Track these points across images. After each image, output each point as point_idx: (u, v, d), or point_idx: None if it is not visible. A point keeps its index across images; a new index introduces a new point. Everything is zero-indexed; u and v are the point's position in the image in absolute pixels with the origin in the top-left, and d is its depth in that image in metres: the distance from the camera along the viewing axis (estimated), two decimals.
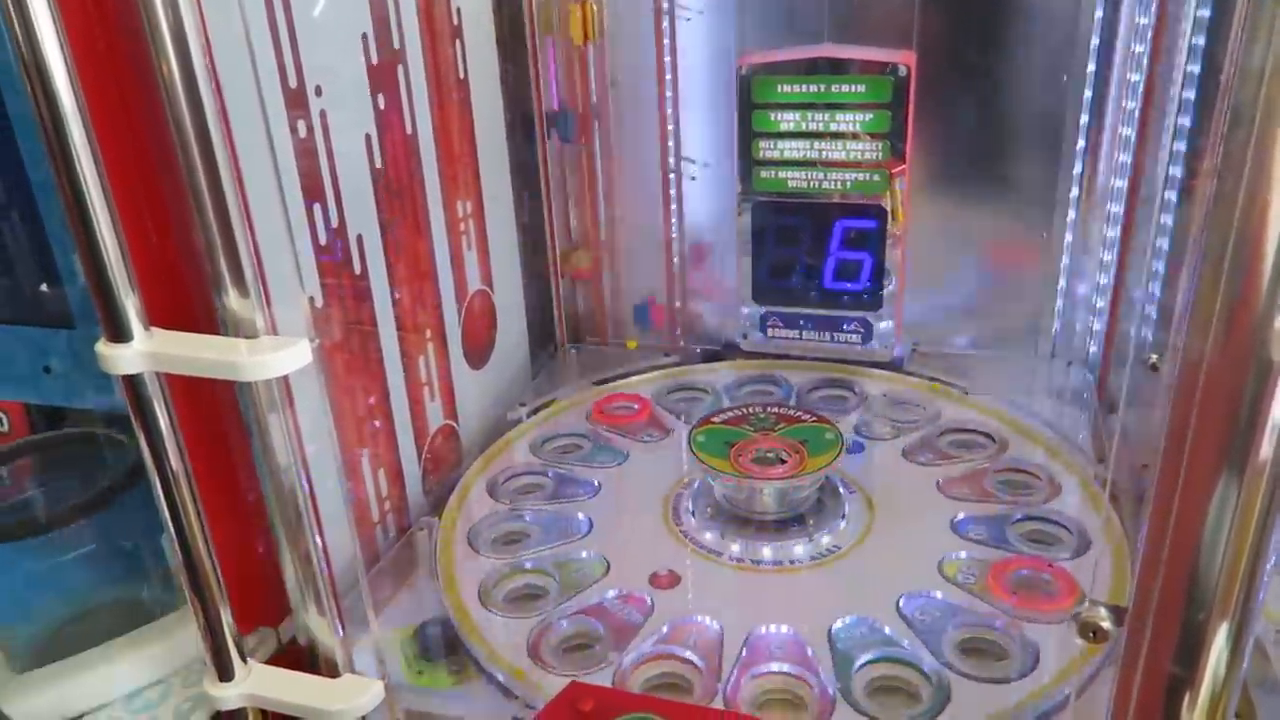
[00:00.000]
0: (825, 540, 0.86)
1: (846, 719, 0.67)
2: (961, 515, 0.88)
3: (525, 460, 1.03)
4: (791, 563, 0.84)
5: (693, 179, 1.20)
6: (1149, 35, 0.97)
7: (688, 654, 0.73)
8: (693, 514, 0.90)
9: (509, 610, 0.80)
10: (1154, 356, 0.45)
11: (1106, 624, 0.50)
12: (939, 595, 0.78)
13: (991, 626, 0.75)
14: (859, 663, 0.71)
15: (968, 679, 0.70)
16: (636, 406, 1.11)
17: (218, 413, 0.68)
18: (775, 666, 0.72)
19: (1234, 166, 0.40)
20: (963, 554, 0.83)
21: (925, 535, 0.86)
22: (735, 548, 0.85)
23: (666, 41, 1.14)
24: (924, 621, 0.75)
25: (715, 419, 0.94)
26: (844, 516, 0.88)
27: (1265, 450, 0.44)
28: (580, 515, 0.92)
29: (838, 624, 0.75)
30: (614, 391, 1.16)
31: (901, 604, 0.77)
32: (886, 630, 0.75)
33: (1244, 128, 0.40)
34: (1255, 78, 0.39)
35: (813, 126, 1.10)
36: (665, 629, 0.76)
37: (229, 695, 0.66)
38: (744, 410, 0.95)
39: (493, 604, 0.81)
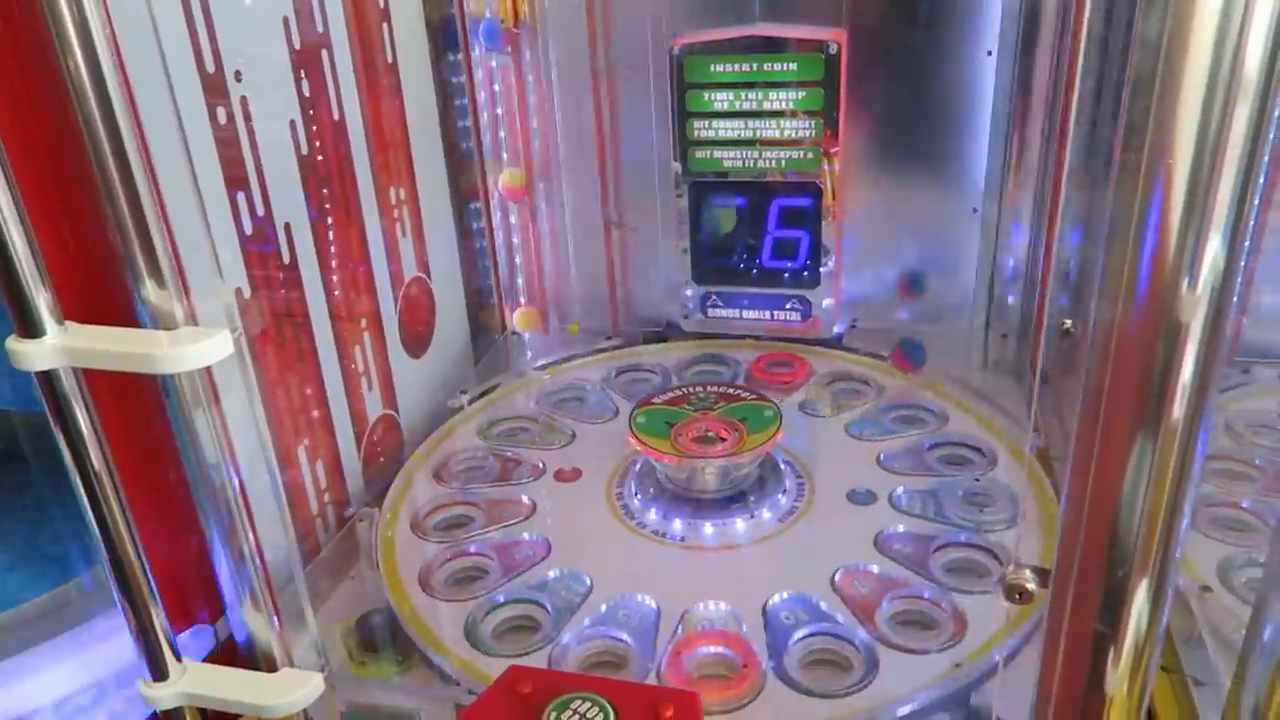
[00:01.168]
0: (766, 517, 0.86)
1: (777, 692, 0.68)
2: (900, 489, 0.89)
3: (470, 444, 1.02)
4: (732, 540, 0.84)
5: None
6: (1072, 10, 0.99)
7: (623, 634, 0.73)
8: (635, 494, 0.90)
9: (448, 592, 0.80)
10: (1067, 322, 0.46)
11: (1031, 585, 0.52)
12: (875, 569, 0.80)
13: (921, 597, 0.77)
14: (793, 638, 0.72)
15: (898, 650, 0.72)
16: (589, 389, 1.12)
17: (142, 408, 0.67)
18: (709, 644, 0.72)
19: (1137, 135, 0.41)
20: (900, 528, 0.84)
21: (864, 510, 0.87)
22: (677, 526, 0.86)
23: (599, 24, 1.13)
24: (858, 595, 0.77)
25: (656, 400, 0.94)
26: (784, 493, 0.89)
27: (1177, 410, 0.45)
28: (523, 498, 0.91)
29: (774, 600, 0.76)
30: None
31: (837, 578, 0.78)
32: (821, 605, 0.76)
33: (1144, 97, 0.41)
34: (1153, 48, 0.40)
35: (746, 106, 1.10)
36: (603, 609, 0.76)
37: (164, 695, 0.65)
38: (685, 390, 0.95)
39: (432, 588, 0.81)
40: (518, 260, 1.26)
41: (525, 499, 0.91)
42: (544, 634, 0.75)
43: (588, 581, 0.80)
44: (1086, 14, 0.97)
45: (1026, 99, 1.06)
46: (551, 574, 0.81)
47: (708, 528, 0.85)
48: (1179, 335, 0.43)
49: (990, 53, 1.05)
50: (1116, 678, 0.52)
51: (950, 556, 0.81)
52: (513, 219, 1.24)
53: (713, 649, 0.72)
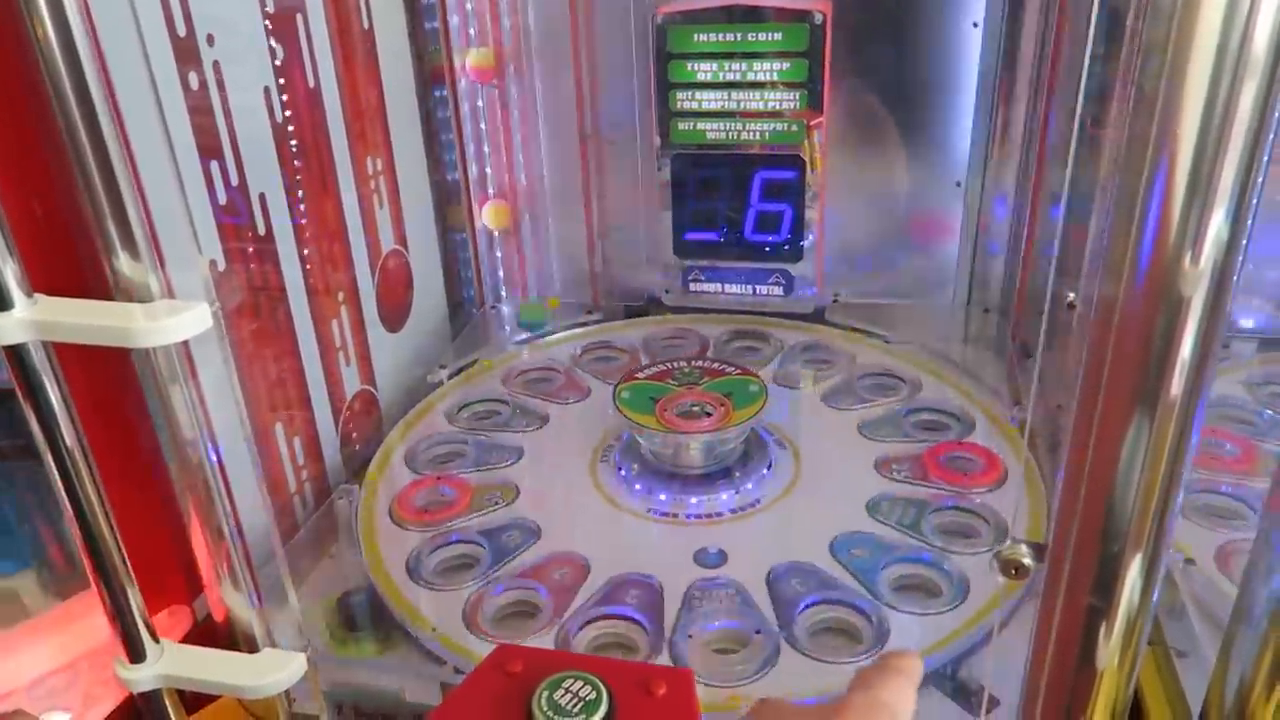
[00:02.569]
0: (753, 489, 0.86)
1: (792, 662, 0.68)
2: (882, 456, 0.90)
3: (444, 429, 1.00)
4: (722, 514, 0.84)
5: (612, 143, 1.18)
6: None
7: (629, 613, 0.73)
8: (620, 471, 0.89)
9: (441, 582, 0.78)
10: (1071, 296, 0.46)
11: (1027, 560, 0.51)
12: (870, 535, 0.80)
13: (920, 560, 0.77)
14: (800, 607, 0.72)
15: (904, 614, 0.72)
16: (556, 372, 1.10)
17: (114, 383, 0.65)
18: (718, 618, 0.72)
19: (1145, 108, 0.41)
20: (887, 494, 0.85)
21: (852, 478, 0.87)
22: (665, 502, 0.85)
23: None
24: (858, 561, 0.77)
25: (639, 374, 0.93)
26: (770, 465, 0.88)
27: (1175, 387, 0.45)
28: (506, 479, 0.90)
29: (776, 569, 0.76)
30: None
31: (834, 546, 0.78)
32: (821, 572, 0.76)
33: (1155, 67, 0.40)
34: (1165, 17, 0.39)
35: (730, 76, 1.09)
36: (604, 589, 0.75)
37: (141, 677, 0.63)
38: (668, 365, 0.94)
39: (423, 578, 0.78)
40: (496, 233, 1.24)
41: (507, 480, 0.90)
42: (544, 617, 0.73)
43: (584, 562, 0.78)
44: None
45: (1012, 72, 1.05)
46: (543, 556, 0.79)
47: (696, 502, 0.85)
48: (1180, 310, 0.43)
49: (976, 24, 1.04)
50: (1108, 651, 0.52)
51: (942, 520, 0.82)
52: (491, 191, 1.21)
53: (722, 622, 0.72)
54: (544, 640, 0.71)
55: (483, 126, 1.18)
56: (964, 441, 0.92)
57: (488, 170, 1.20)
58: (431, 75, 1.12)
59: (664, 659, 0.69)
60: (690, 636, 0.70)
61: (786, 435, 0.93)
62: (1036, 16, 1.02)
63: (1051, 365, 0.99)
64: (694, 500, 0.85)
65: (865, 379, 1.04)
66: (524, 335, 1.19)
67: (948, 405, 0.98)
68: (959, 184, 1.12)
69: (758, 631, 0.70)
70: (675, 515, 0.84)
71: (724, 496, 0.85)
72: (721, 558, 0.78)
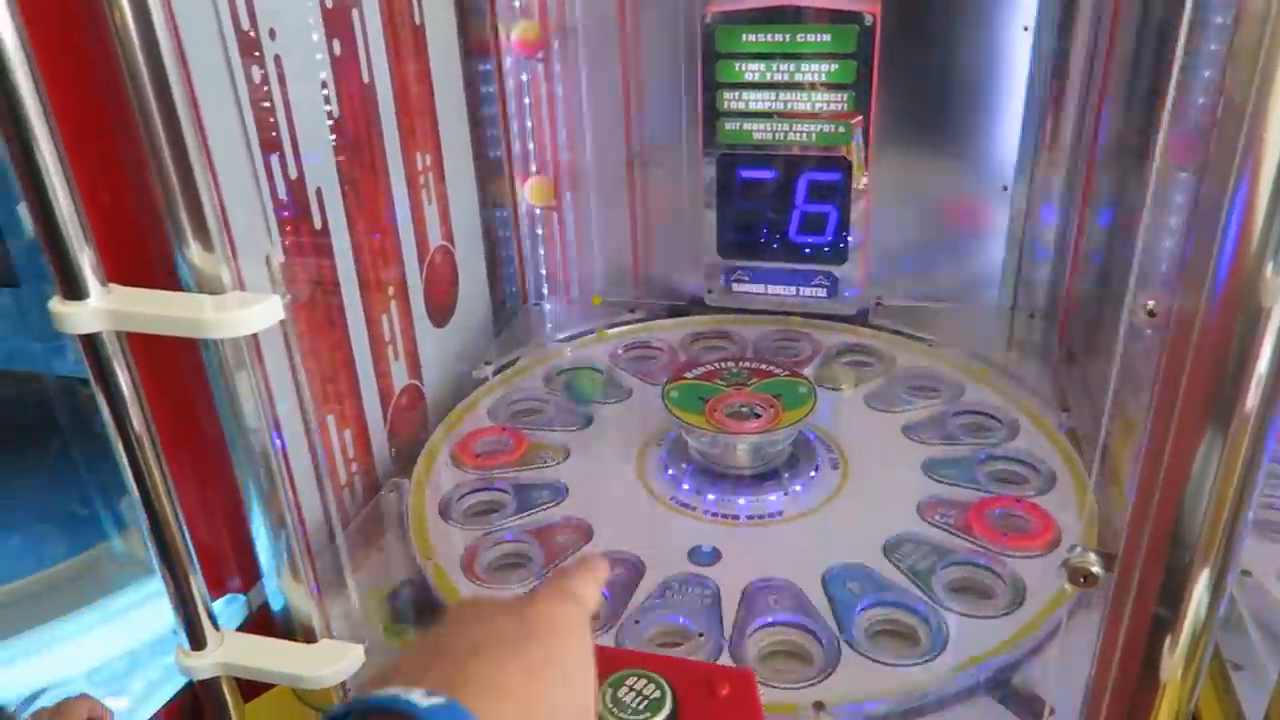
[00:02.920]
0: (803, 491, 0.86)
1: (853, 664, 0.68)
2: (929, 457, 0.90)
3: (488, 426, 1.00)
4: (774, 515, 0.84)
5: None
6: None
7: (687, 613, 0.73)
8: (668, 471, 0.89)
9: (495, 581, 0.78)
10: (1150, 303, 0.45)
11: (1096, 569, 0.51)
12: (921, 536, 0.80)
13: (975, 564, 0.77)
14: (857, 609, 0.72)
15: (961, 616, 0.72)
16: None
17: (181, 372, 0.66)
18: (776, 618, 0.72)
19: (1234, 116, 0.40)
20: (939, 494, 0.85)
21: (901, 480, 0.87)
22: (715, 503, 0.85)
23: None
24: (911, 563, 0.77)
25: (688, 374, 0.93)
26: (818, 467, 0.88)
27: (1251, 400, 0.44)
28: (554, 480, 0.90)
29: (831, 571, 0.76)
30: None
31: (888, 547, 0.78)
32: (876, 574, 0.76)
33: (1244, 75, 0.40)
34: (1257, 21, 0.39)
35: (778, 77, 1.08)
36: (660, 589, 0.75)
37: (202, 664, 0.64)
38: (717, 365, 0.94)
39: (478, 577, 0.78)
40: (539, 231, 1.25)
41: (556, 479, 0.90)
42: (603, 616, 0.73)
43: (638, 562, 0.78)
44: None
45: (1062, 76, 1.05)
46: (597, 553, 0.79)
47: (746, 503, 0.85)
48: (1259, 321, 0.43)
49: (1027, 27, 1.04)
50: (1173, 663, 0.52)
51: (993, 521, 0.82)
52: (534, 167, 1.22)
53: (781, 622, 0.72)
54: (604, 640, 0.71)
55: (528, 119, 1.18)
56: (1011, 446, 0.91)
57: (530, 146, 1.20)
58: (475, 49, 1.12)
59: (725, 659, 0.69)
60: (749, 637, 0.70)
61: (832, 437, 0.93)
62: (1088, 21, 1.01)
63: (1097, 371, 0.99)
64: (744, 501, 0.85)
65: (907, 381, 1.04)
66: (565, 334, 1.19)
67: (992, 409, 0.97)
68: (1005, 188, 1.11)
69: (817, 634, 0.70)
70: (727, 516, 0.84)
71: (774, 498, 0.85)
72: (775, 559, 0.78)
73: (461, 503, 0.88)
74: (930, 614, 0.72)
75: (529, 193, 1.21)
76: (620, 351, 1.14)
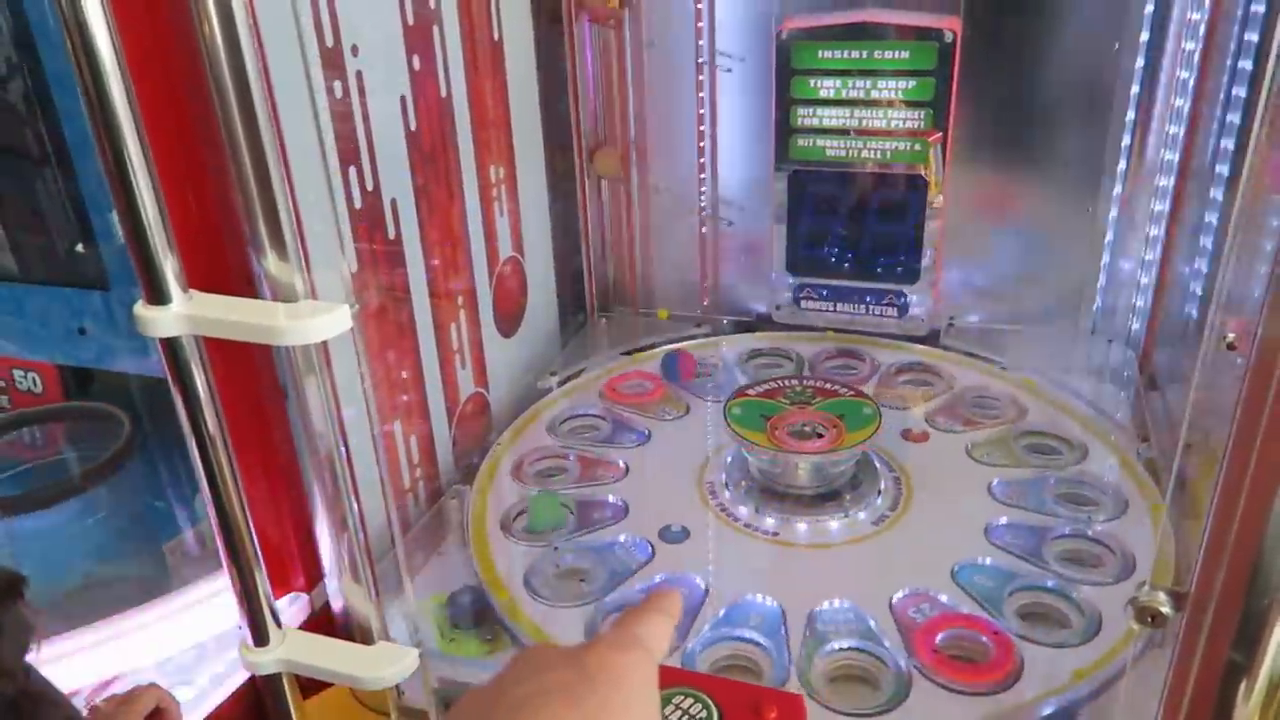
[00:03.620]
0: (867, 513, 0.85)
1: (924, 692, 0.67)
2: (996, 481, 0.88)
3: (546, 443, 1.00)
4: (839, 537, 0.83)
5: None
6: (1205, 3, 0.94)
7: (751, 634, 0.72)
8: (728, 488, 0.89)
9: (556, 599, 0.78)
10: (1230, 335, 0.43)
11: (1165, 609, 0.49)
12: (989, 561, 0.78)
13: (1046, 588, 0.75)
14: (927, 634, 0.71)
15: (1034, 644, 0.70)
16: (650, 385, 1.09)
17: (253, 377, 0.68)
18: (842, 643, 0.71)
19: None
20: (1004, 520, 0.83)
21: (967, 504, 0.86)
22: (778, 525, 0.84)
23: (703, 5, 1.11)
24: (981, 588, 0.75)
25: (750, 391, 0.92)
26: (881, 491, 0.87)
27: None
28: (612, 498, 0.90)
29: (898, 597, 0.75)
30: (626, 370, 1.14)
31: (956, 572, 0.77)
32: (944, 599, 0.74)
33: None
34: None
35: (853, 94, 1.07)
36: (723, 611, 0.75)
37: (264, 660, 0.66)
38: (780, 382, 0.94)
39: (539, 594, 0.78)
40: (608, 243, 1.25)
41: (613, 498, 0.90)
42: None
43: (701, 583, 0.78)
44: (1222, 8, 0.92)
45: (1151, 97, 1.01)
46: (658, 576, 0.79)
47: (809, 525, 0.84)
48: None
49: (1116, 44, 1.00)
50: (1248, 711, 0.49)
51: (1063, 548, 0.80)
52: (605, 198, 1.23)
53: (847, 647, 0.71)
54: (670, 661, 0.70)
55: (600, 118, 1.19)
56: (1081, 470, 0.89)
57: (604, 181, 1.21)
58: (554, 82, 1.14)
59: (793, 684, 0.68)
60: (816, 663, 0.69)
61: (893, 457, 0.92)
62: (1178, 40, 0.98)
63: (1180, 401, 0.95)
64: (808, 523, 0.84)
65: (973, 402, 1.02)
66: (630, 346, 1.19)
67: (1061, 432, 0.95)
68: (1089, 210, 1.08)
69: (885, 660, 0.69)
70: (790, 538, 0.83)
71: (838, 520, 0.84)
72: (841, 582, 0.77)
73: (523, 524, 0.88)
74: (1003, 642, 0.70)
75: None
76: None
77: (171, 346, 0.58)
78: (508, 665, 0.40)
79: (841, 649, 0.71)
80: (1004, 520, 0.83)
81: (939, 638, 0.71)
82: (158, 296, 0.56)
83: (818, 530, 0.84)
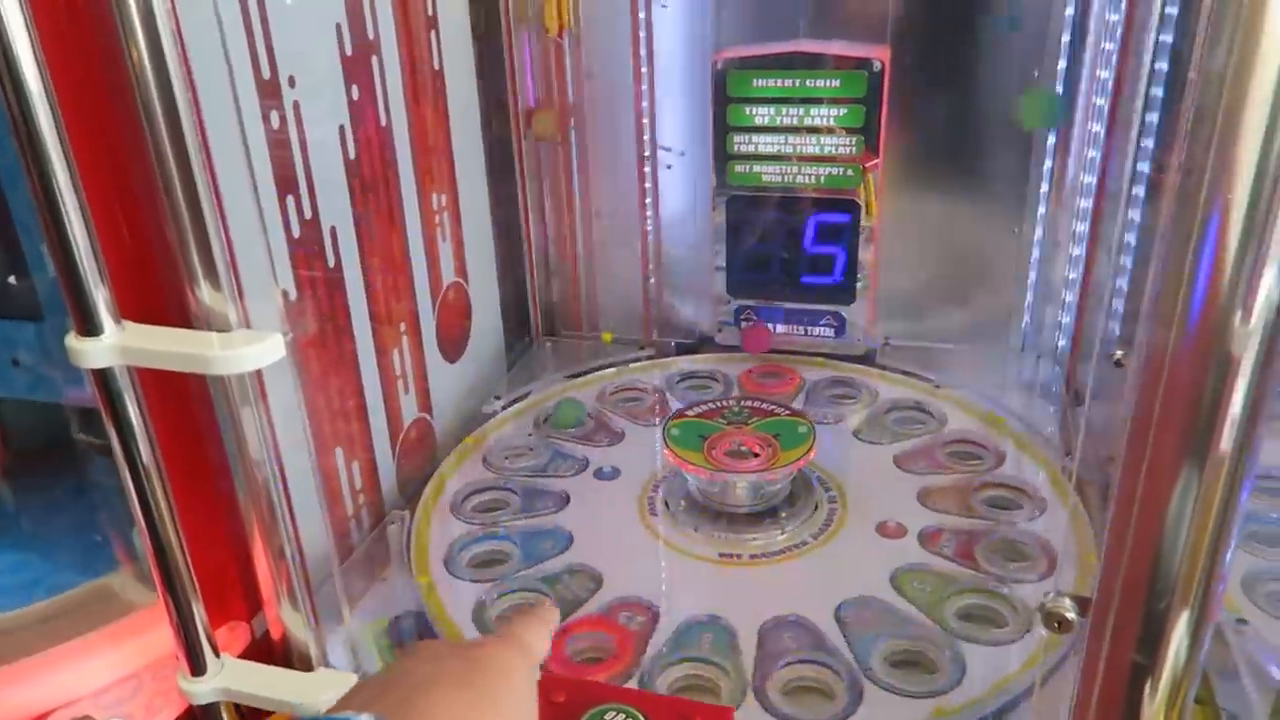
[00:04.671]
0: (805, 527, 0.87)
1: (876, 697, 0.69)
2: (921, 487, 0.92)
3: (489, 469, 1.00)
4: (780, 551, 0.85)
5: (669, 167, 1.20)
6: (1118, 32, 0.98)
7: (705, 654, 0.73)
8: (671, 512, 0.90)
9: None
10: (1119, 353, 0.46)
11: (1071, 614, 0.51)
12: (926, 566, 0.81)
13: (981, 590, 0.78)
14: (874, 642, 0.73)
15: (976, 644, 0.73)
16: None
17: (189, 406, 0.68)
18: (797, 657, 0.73)
19: (1197, 166, 0.41)
20: (938, 525, 0.86)
21: (896, 515, 0.88)
22: (721, 542, 0.86)
23: (642, 34, 1.14)
24: (920, 594, 0.78)
25: (689, 413, 0.94)
26: (818, 505, 0.89)
27: (1225, 443, 0.44)
28: (554, 524, 0.91)
29: (844, 608, 0.77)
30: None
31: (893, 579, 0.80)
32: (887, 606, 0.77)
33: (1206, 128, 0.41)
34: (1217, 80, 0.40)
35: (787, 121, 1.10)
36: (676, 632, 0.76)
37: (202, 690, 0.66)
38: (718, 404, 0.95)
39: (488, 628, 0.78)
40: (552, 268, 1.27)
41: (559, 526, 0.91)
42: (620, 662, 0.73)
43: (650, 607, 0.79)
44: (1134, 38, 0.97)
45: (1070, 121, 1.06)
46: (608, 601, 0.80)
47: (751, 540, 0.86)
48: (1229, 368, 0.43)
49: (1036, 72, 1.05)
50: (1152, 710, 0.51)
51: (992, 549, 0.84)
52: (549, 223, 1.25)
53: (801, 659, 0.73)
54: (629, 685, 0.71)
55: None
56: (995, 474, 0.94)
57: (547, 206, 1.23)
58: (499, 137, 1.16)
59: (749, 701, 0.69)
60: (771, 677, 0.71)
61: (826, 471, 0.94)
62: (1094, 67, 1.03)
63: (1104, 415, 0.99)
64: (750, 539, 0.86)
65: (905, 417, 1.06)
66: (574, 370, 1.20)
67: (989, 443, 0.99)
68: (1015, 230, 1.12)
69: (837, 670, 0.71)
70: (734, 555, 0.85)
71: (779, 534, 0.86)
72: (787, 597, 0.79)
73: (465, 552, 0.88)
74: (945, 643, 0.73)
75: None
76: (609, 393, 1.15)
77: (104, 377, 0.58)
78: (401, 655, 0.44)
79: (792, 662, 0.72)
80: (935, 525, 0.86)
81: (884, 644, 0.73)
82: (89, 328, 0.57)
83: (760, 546, 0.85)
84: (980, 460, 0.97)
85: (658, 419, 1.07)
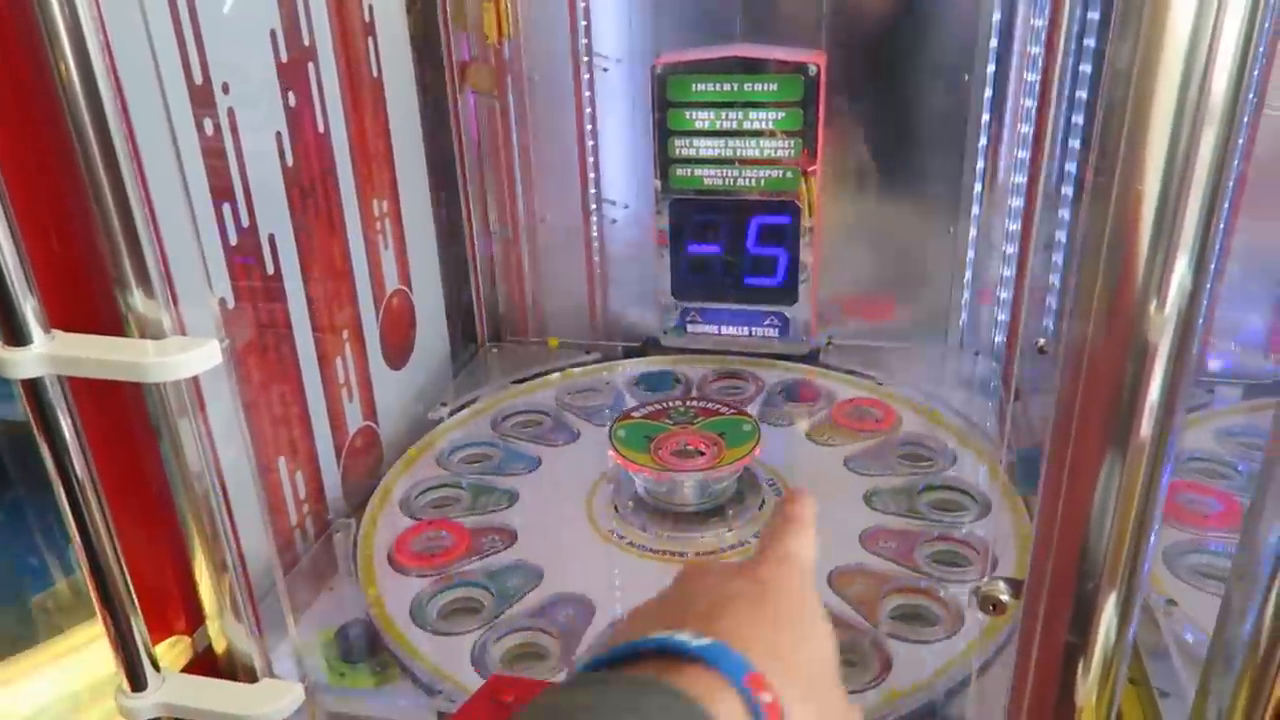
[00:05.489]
0: (749, 525, 0.88)
1: None
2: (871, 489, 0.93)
3: (437, 473, 1.00)
4: (723, 550, 0.86)
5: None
6: (1044, 36, 1.01)
7: None
8: (616, 511, 0.91)
9: (446, 626, 0.79)
10: (1040, 341, 0.47)
11: (1005, 597, 0.53)
12: (866, 566, 0.82)
13: (916, 589, 0.79)
14: None
15: (904, 642, 0.74)
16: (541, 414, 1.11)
17: (124, 418, 0.67)
18: None
19: (1108, 161, 0.43)
20: (881, 525, 0.88)
21: (844, 511, 0.90)
22: (664, 540, 0.87)
23: (582, 40, 1.15)
24: (855, 592, 0.79)
25: (635, 414, 0.95)
26: (764, 503, 0.90)
27: (1145, 429, 0.46)
28: (501, 524, 0.91)
29: None
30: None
31: (833, 578, 0.81)
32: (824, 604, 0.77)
33: (1115, 124, 0.42)
34: (1124, 77, 0.41)
35: (727, 125, 1.12)
36: (610, 630, 0.76)
37: (142, 705, 0.64)
38: (664, 404, 0.96)
39: (428, 622, 0.79)
40: (497, 274, 1.27)
41: (505, 523, 0.91)
42: (554, 659, 0.74)
43: (589, 603, 0.79)
44: (1058, 41, 1.00)
45: (999, 121, 1.09)
46: (548, 599, 0.80)
47: (694, 538, 0.87)
48: (1147, 355, 0.45)
49: (966, 76, 1.08)
50: (1086, 688, 0.53)
51: (934, 549, 0.85)
52: (493, 226, 1.25)
53: None
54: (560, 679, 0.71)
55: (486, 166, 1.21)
56: (949, 475, 0.94)
57: (489, 200, 1.23)
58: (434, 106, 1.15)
59: None
60: None
61: (776, 472, 0.95)
62: (1022, 73, 1.06)
63: (1040, 408, 1.01)
64: (692, 537, 0.87)
65: (850, 416, 1.07)
66: (521, 375, 1.20)
67: (932, 441, 1.01)
68: (951, 230, 1.15)
69: None
70: (676, 553, 0.85)
71: (723, 533, 0.87)
72: None
73: (413, 552, 0.87)
74: (875, 641, 0.74)
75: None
76: (566, 395, 1.15)
77: (35, 388, 0.57)
78: (677, 580, 0.42)
79: None
80: (878, 526, 0.87)
81: None
82: (17, 338, 0.55)
83: (705, 544, 0.86)
84: (928, 462, 0.98)
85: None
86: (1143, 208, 0.43)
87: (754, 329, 1.19)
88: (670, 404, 0.96)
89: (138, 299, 0.58)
